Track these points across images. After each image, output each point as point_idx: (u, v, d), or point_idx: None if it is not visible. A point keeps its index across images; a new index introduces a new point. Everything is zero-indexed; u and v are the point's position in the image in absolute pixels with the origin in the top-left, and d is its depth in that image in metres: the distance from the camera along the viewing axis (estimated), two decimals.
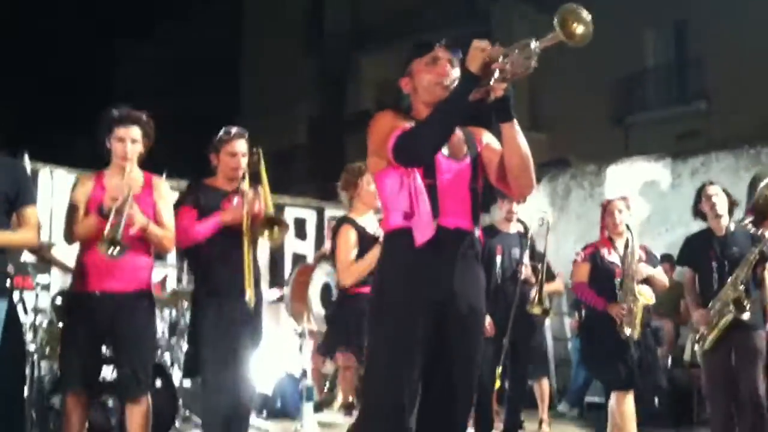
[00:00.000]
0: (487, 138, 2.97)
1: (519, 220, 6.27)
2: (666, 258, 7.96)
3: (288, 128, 21.30)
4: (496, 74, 2.63)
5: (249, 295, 4.42)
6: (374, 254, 4.79)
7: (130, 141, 4.22)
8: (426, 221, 2.70)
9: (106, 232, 3.94)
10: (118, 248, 3.94)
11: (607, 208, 5.62)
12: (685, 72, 16.51)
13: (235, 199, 4.53)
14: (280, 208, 7.97)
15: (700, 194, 5.55)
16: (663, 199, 9.11)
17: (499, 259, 5.92)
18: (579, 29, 2.48)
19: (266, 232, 4.45)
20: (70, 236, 4.20)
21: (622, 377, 5.36)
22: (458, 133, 2.87)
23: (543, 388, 7.19)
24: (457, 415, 2.78)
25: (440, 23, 16.14)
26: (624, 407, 5.38)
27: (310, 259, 8.31)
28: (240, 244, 4.46)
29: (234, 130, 4.67)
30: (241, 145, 4.61)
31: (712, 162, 8.77)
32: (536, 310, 6.05)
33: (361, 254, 4.64)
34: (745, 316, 5.17)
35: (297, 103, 21.26)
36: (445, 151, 2.81)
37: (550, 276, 6.24)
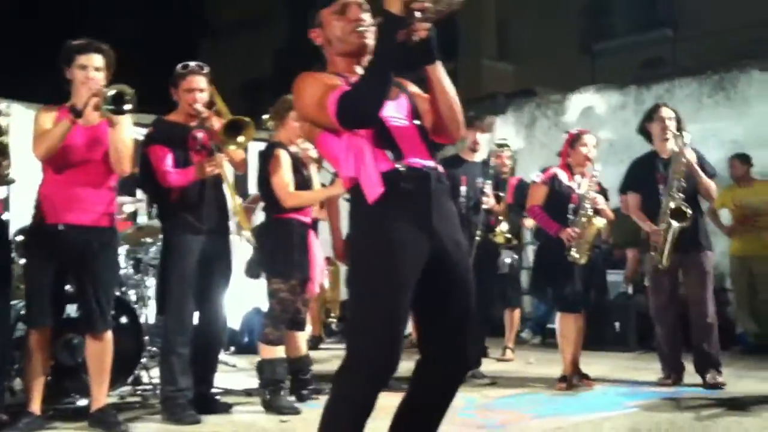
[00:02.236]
0: (413, 87, 2.87)
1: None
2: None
3: (253, 57, 20.98)
4: (418, 14, 2.49)
5: (244, 226, 4.52)
6: (322, 192, 4.86)
7: (92, 68, 4.15)
8: (373, 175, 2.59)
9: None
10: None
11: (578, 140, 5.65)
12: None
13: (199, 134, 4.58)
14: None
15: (652, 114, 5.63)
16: (627, 126, 9.13)
17: (463, 189, 5.92)
18: None
19: (230, 143, 4.47)
20: (42, 146, 4.06)
21: (566, 299, 5.48)
22: None
23: (515, 317, 7.32)
24: (464, 346, 2.72)
25: None
26: (565, 329, 5.51)
27: None
28: (210, 180, 4.55)
29: (192, 65, 4.65)
30: (198, 81, 4.63)
31: (675, 89, 8.81)
32: (499, 239, 6.12)
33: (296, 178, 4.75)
34: (685, 223, 5.28)
35: (263, 30, 20.84)
36: None
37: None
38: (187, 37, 22.21)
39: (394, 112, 2.71)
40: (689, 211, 5.35)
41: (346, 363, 2.62)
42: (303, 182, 4.83)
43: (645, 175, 5.61)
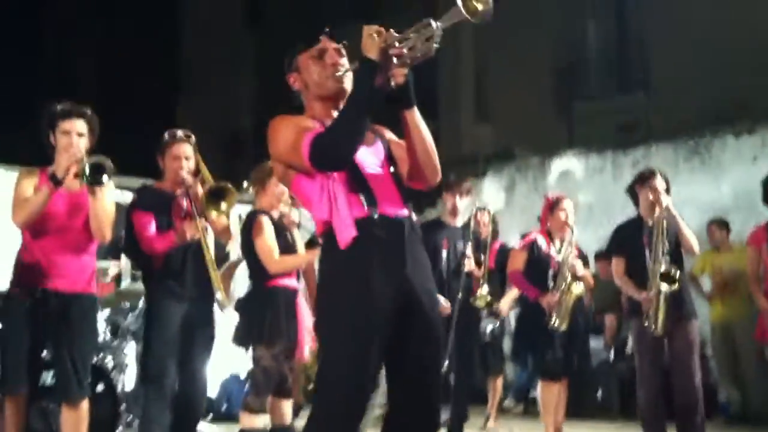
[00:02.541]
0: (389, 134, 2.88)
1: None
2: (604, 254, 8.14)
3: (231, 111, 21.05)
4: (395, 60, 2.53)
5: (221, 296, 4.48)
6: (306, 256, 4.85)
7: (75, 134, 4.14)
8: (346, 220, 2.58)
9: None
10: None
11: (556, 206, 5.68)
12: (626, 62, 16.74)
13: (184, 202, 4.60)
14: None
15: (644, 180, 5.59)
16: (605, 190, 9.25)
17: (444, 253, 5.92)
18: (479, 5, 2.40)
19: (213, 210, 4.47)
20: (22, 213, 4.04)
21: (547, 367, 5.46)
22: None
23: (497, 385, 7.25)
24: (433, 398, 2.68)
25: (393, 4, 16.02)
26: (546, 396, 5.48)
27: None
28: (193, 247, 4.56)
29: (179, 133, 4.71)
30: (184, 149, 4.67)
31: (651, 154, 8.93)
32: (480, 303, 6.09)
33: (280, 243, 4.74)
34: (676, 286, 5.23)
35: (240, 85, 20.96)
36: None
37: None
38: (164, 92, 22.30)
39: (370, 158, 2.71)
40: (678, 274, 5.33)
41: (313, 412, 2.59)
42: (287, 247, 4.82)
43: (631, 240, 5.60)
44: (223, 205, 4.51)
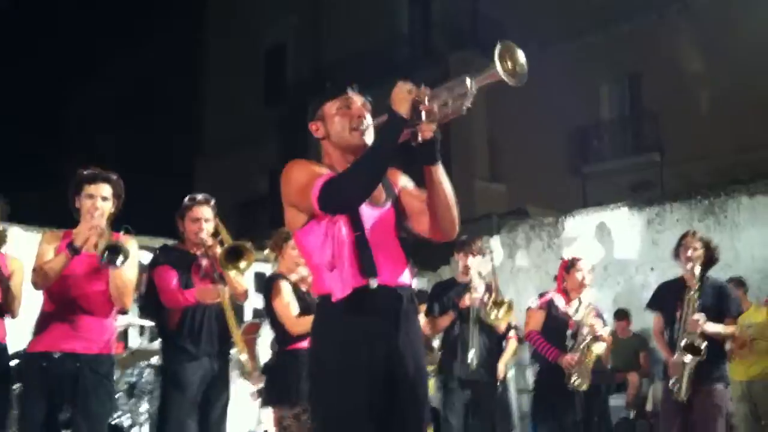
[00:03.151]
0: (403, 181, 2.87)
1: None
2: (622, 313, 8.11)
3: (249, 179, 21.25)
4: (424, 116, 2.53)
5: (245, 360, 4.51)
6: None
7: (100, 198, 4.19)
8: (345, 276, 2.57)
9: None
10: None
11: (573, 266, 5.69)
12: (639, 124, 16.86)
13: (203, 262, 4.67)
14: None
15: (681, 242, 5.56)
16: (619, 249, 9.23)
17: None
18: (517, 67, 2.42)
19: (231, 268, 4.50)
20: (39, 277, 4.07)
21: (568, 429, 5.38)
22: None
23: None
24: None
25: (401, 68, 16.31)
26: None
27: None
28: (210, 307, 4.60)
29: (199, 197, 4.77)
30: (204, 212, 4.73)
31: (666, 213, 8.92)
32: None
33: (300, 305, 4.77)
34: (699, 358, 5.18)
35: (258, 153, 21.19)
36: None
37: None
38: (183, 156, 22.58)
39: (377, 221, 2.69)
40: (703, 347, 5.27)
41: None
42: (306, 308, 4.82)
43: (669, 300, 5.56)
44: (242, 264, 4.56)
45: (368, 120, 2.77)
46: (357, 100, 2.81)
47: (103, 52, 23.22)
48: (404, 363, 2.62)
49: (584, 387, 5.37)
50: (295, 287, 4.88)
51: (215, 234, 4.75)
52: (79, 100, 24.13)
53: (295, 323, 4.72)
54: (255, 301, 8.64)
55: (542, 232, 9.94)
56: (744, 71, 13.40)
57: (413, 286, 2.76)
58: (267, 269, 8.86)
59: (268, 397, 4.82)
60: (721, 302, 5.50)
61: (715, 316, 5.39)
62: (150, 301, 4.72)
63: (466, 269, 6.04)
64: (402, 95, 2.52)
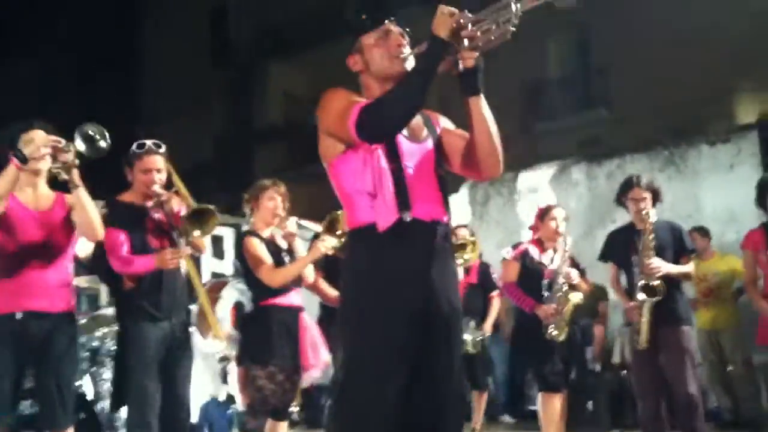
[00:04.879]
0: (444, 121, 2.80)
1: None
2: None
3: (193, 143, 20.77)
4: (465, 42, 2.45)
5: (212, 325, 4.32)
6: (304, 260, 4.69)
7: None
8: (389, 205, 2.49)
9: None
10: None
11: (547, 214, 5.58)
12: (587, 81, 16.87)
13: (157, 215, 4.37)
14: None
15: (626, 191, 5.54)
16: (580, 202, 9.21)
17: None
18: None
19: (194, 230, 4.29)
20: None
21: (548, 379, 5.33)
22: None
23: (482, 399, 7.09)
24: (448, 409, 2.58)
25: (349, 27, 15.99)
26: (548, 409, 5.35)
27: None
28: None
29: (148, 143, 4.43)
30: (156, 161, 4.41)
31: (626, 164, 8.90)
32: None
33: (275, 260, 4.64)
34: (657, 298, 5.15)
35: (202, 117, 20.68)
36: (405, 132, 2.62)
37: None
38: (122, 123, 21.96)
39: (416, 156, 2.61)
40: (659, 286, 5.25)
41: (340, 412, 2.53)
42: (281, 263, 4.67)
43: (622, 247, 5.52)
44: (206, 227, 4.33)
45: (407, 49, 2.68)
46: (395, 29, 2.72)
47: (29, 12, 22.21)
48: (437, 302, 2.54)
49: (562, 337, 5.29)
50: (269, 242, 4.71)
51: (168, 186, 4.45)
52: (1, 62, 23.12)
53: (272, 275, 4.56)
54: (212, 265, 8.49)
55: (502, 188, 9.87)
56: (695, 25, 13.42)
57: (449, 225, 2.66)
58: (222, 232, 8.70)
59: (242, 356, 4.63)
60: (675, 240, 5.49)
61: (671, 257, 5.37)
62: (101, 261, 4.41)
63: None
64: (443, 19, 2.45)
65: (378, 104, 2.47)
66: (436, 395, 2.54)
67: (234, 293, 6.07)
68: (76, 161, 3.78)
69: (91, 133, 3.77)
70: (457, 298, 2.65)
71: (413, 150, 2.61)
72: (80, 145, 3.75)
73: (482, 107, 2.57)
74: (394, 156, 2.56)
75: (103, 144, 3.79)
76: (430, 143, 2.68)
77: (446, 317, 2.56)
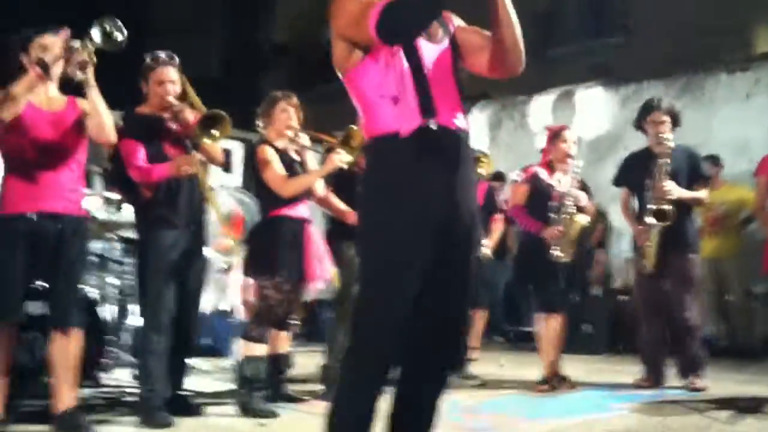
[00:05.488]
0: (458, 20, 2.68)
1: None
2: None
3: (200, 60, 20.52)
4: None
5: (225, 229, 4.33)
6: (318, 172, 4.69)
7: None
8: (413, 109, 2.40)
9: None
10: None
11: (558, 136, 5.51)
12: (603, 5, 16.51)
13: (173, 126, 4.41)
14: None
15: (646, 115, 5.50)
16: (595, 127, 9.11)
17: None
18: None
19: (206, 137, 4.29)
20: (7, 110, 3.73)
21: (549, 299, 5.35)
22: None
23: (480, 318, 7.12)
24: (460, 327, 2.58)
25: None
26: (545, 330, 5.38)
27: None
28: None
29: (162, 55, 4.46)
30: (170, 73, 4.44)
31: (643, 90, 8.77)
32: None
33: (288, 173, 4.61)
34: (666, 223, 5.18)
35: (209, 33, 20.38)
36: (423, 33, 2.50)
37: None
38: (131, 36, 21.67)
39: (434, 57, 2.50)
40: (670, 211, 5.23)
41: (351, 344, 2.46)
42: (294, 174, 4.65)
43: (636, 172, 5.48)
44: (216, 132, 4.32)
45: None
46: None
47: None
48: (460, 213, 2.48)
49: (566, 258, 5.28)
50: (282, 153, 4.66)
51: (182, 97, 4.46)
52: None
53: (284, 184, 4.54)
54: (221, 178, 8.46)
55: (514, 112, 9.75)
56: None
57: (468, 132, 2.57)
58: (230, 146, 8.65)
59: (249, 266, 4.63)
60: (691, 166, 5.45)
61: (685, 183, 5.37)
62: (120, 173, 4.45)
63: None
64: None
65: (398, 4, 2.35)
66: (446, 305, 2.51)
67: (230, 201, 6.00)
68: (94, 58, 3.72)
69: (107, 27, 3.69)
70: (478, 210, 2.59)
71: (432, 51, 2.51)
72: (97, 37, 3.67)
73: (505, 1, 2.45)
74: (414, 57, 2.46)
75: (119, 37, 3.71)
76: (446, 43, 2.57)
77: (468, 230, 2.50)
